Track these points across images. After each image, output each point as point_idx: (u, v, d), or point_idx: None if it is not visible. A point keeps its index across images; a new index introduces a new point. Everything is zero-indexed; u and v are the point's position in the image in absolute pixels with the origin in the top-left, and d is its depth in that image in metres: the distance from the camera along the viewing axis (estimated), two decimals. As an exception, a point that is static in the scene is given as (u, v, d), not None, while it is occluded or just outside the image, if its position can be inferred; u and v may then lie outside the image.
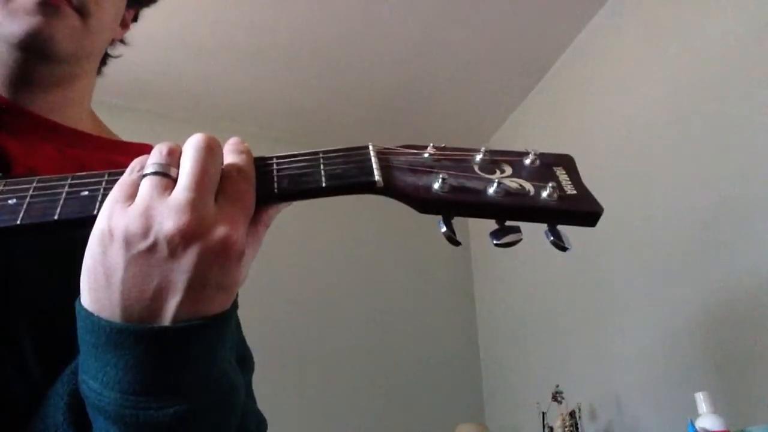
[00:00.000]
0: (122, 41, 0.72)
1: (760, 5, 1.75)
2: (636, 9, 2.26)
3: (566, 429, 2.09)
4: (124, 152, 0.61)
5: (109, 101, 2.46)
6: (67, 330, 0.38)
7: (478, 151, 0.43)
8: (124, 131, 0.69)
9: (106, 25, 0.65)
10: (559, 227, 0.40)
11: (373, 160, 0.42)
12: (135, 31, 0.74)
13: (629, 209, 2.09)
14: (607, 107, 2.34)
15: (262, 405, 0.57)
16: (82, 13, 0.59)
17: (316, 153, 0.43)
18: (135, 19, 0.73)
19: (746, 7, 1.80)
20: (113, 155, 0.60)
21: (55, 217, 0.40)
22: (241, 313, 0.52)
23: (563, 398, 2.13)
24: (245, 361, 0.57)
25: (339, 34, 2.50)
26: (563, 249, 0.40)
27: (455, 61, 2.64)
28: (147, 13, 0.76)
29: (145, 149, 0.41)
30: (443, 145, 0.44)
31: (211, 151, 0.39)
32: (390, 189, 0.41)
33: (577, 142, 2.44)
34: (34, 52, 0.58)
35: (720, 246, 1.76)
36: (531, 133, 2.81)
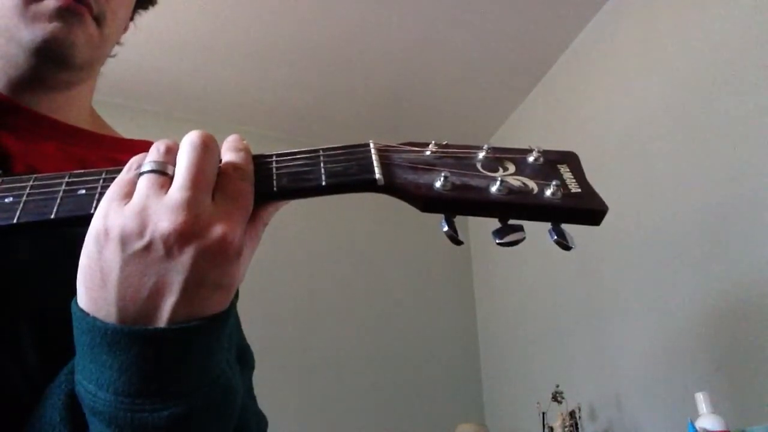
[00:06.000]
0: (118, 42, 0.72)
1: (758, 5, 1.75)
2: (635, 9, 2.26)
3: (566, 429, 2.08)
4: (125, 149, 0.60)
5: (109, 101, 2.46)
6: (68, 328, 0.38)
7: (480, 148, 0.43)
8: (125, 130, 0.69)
9: (119, 31, 0.65)
10: (563, 226, 0.40)
11: (374, 157, 0.41)
12: (136, 31, 0.74)
13: (629, 209, 2.08)
14: (607, 107, 2.34)
15: (262, 405, 0.57)
16: (99, 21, 0.60)
17: (317, 150, 0.42)
18: (131, 18, 0.73)
19: (744, 6, 1.80)
20: (114, 152, 0.60)
21: (52, 216, 0.40)
22: (241, 313, 0.52)
23: (563, 398, 2.13)
24: (245, 360, 0.56)
25: (339, 34, 2.50)
26: (567, 248, 0.39)
27: (455, 61, 2.64)
28: (148, 13, 0.76)
29: (146, 146, 0.40)
30: (445, 142, 0.44)
31: (207, 148, 0.38)
32: (391, 187, 0.40)
33: (576, 142, 2.43)
34: (53, 58, 0.58)
35: (720, 246, 1.76)
36: (530, 133, 2.80)
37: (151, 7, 0.74)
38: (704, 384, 1.66)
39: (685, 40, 2.01)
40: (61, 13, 0.56)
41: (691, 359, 1.81)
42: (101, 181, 0.41)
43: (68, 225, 0.40)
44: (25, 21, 0.56)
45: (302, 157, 0.42)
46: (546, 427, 2.19)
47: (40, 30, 0.56)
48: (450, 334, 2.99)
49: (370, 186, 0.40)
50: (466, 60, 2.63)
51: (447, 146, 0.43)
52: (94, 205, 0.39)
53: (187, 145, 0.38)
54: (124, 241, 0.35)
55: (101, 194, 0.40)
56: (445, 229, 0.39)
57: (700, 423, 1.48)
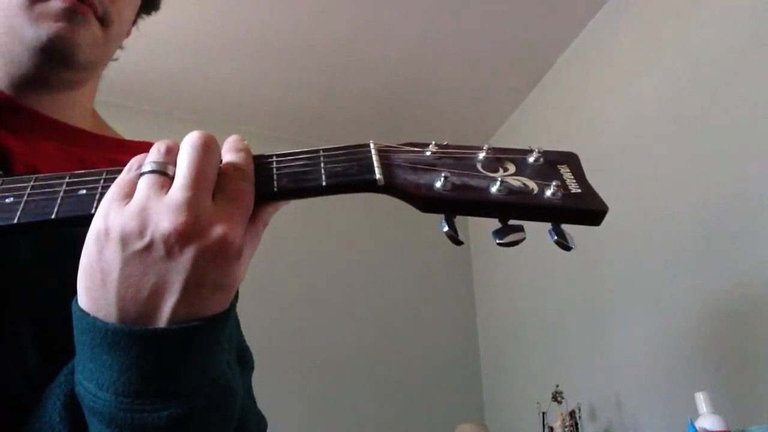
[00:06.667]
0: (120, 46, 0.72)
1: (758, 5, 1.75)
2: (635, 9, 2.26)
3: (566, 429, 2.08)
4: (126, 150, 0.60)
5: (109, 101, 2.46)
6: (68, 328, 0.38)
7: (480, 149, 0.43)
8: (125, 131, 0.69)
9: (122, 34, 0.66)
10: (563, 226, 0.40)
11: (374, 158, 0.41)
12: (136, 32, 0.74)
13: (629, 209, 2.08)
14: (607, 107, 2.34)
15: (262, 405, 0.57)
16: (104, 22, 0.60)
17: (317, 151, 0.42)
18: (134, 23, 0.73)
19: (744, 6, 1.80)
20: (115, 153, 0.60)
21: (52, 216, 0.40)
22: (241, 313, 0.52)
23: (563, 398, 2.13)
24: (245, 361, 0.56)
25: (339, 34, 2.50)
26: (567, 248, 0.39)
27: (455, 61, 2.64)
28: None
29: (147, 147, 0.40)
30: (445, 142, 0.44)
31: (207, 149, 0.38)
32: (391, 187, 0.40)
33: (576, 142, 2.43)
34: (57, 58, 0.58)
35: (720, 246, 1.76)
36: (530, 133, 2.80)
37: (154, 12, 0.74)
38: (704, 384, 1.66)
39: (684, 40, 2.01)
40: (66, 13, 0.56)
41: (691, 359, 1.81)
42: (102, 181, 0.41)
43: (69, 225, 0.40)
44: (29, 20, 0.56)
45: (302, 157, 0.42)
46: (546, 427, 2.19)
47: (45, 29, 0.56)
48: (450, 335, 2.99)
49: (371, 186, 0.40)
50: (466, 60, 2.63)
51: (447, 146, 0.43)
52: (94, 205, 0.39)
53: (188, 146, 0.38)
54: (124, 241, 0.35)
55: (102, 194, 0.40)
56: (445, 229, 0.39)
57: (700, 423, 1.48)
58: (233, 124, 2.88)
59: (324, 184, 0.40)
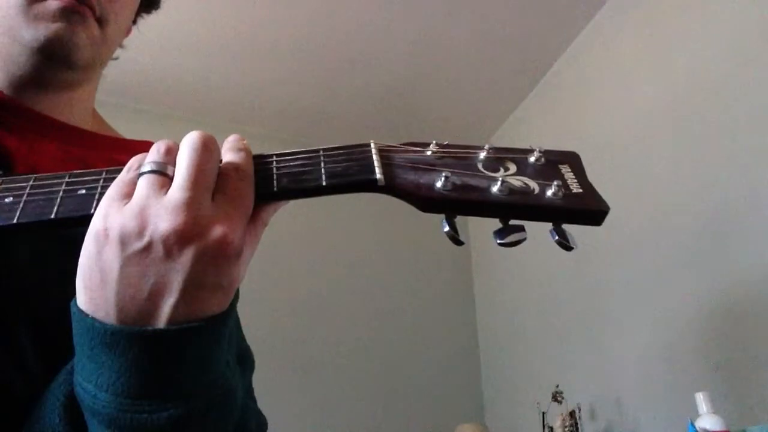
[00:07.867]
0: (120, 45, 0.72)
1: (760, 6, 1.75)
2: (636, 9, 2.26)
3: (566, 429, 2.08)
4: (126, 150, 0.60)
5: (109, 101, 2.46)
6: (67, 328, 0.38)
7: (481, 148, 0.43)
8: (125, 131, 0.69)
9: (121, 34, 0.66)
10: (564, 226, 0.40)
11: (375, 157, 0.41)
12: (137, 31, 0.74)
13: (629, 209, 2.08)
14: (607, 107, 2.34)
15: (262, 405, 0.57)
16: (102, 22, 0.60)
17: (317, 151, 0.42)
18: (134, 22, 0.73)
19: (744, 6, 1.80)
20: (115, 153, 0.60)
21: (52, 216, 0.39)
22: (241, 313, 0.52)
23: (563, 398, 2.13)
24: (245, 361, 0.56)
25: (339, 34, 2.50)
26: (568, 248, 0.39)
27: (455, 61, 2.64)
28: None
29: (146, 147, 0.40)
30: (446, 142, 0.44)
31: (207, 149, 0.38)
32: (391, 187, 0.40)
33: (576, 142, 2.43)
34: (55, 58, 0.58)
35: (720, 246, 1.76)
36: (531, 133, 2.80)
37: (154, 11, 0.74)
38: (704, 384, 1.66)
39: (685, 40, 2.01)
40: (64, 13, 0.56)
41: (691, 359, 1.81)
42: (101, 181, 0.41)
43: (68, 225, 0.40)
44: (27, 20, 0.56)
45: (302, 157, 0.42)
46: (546, 427, 2.19)
47: (43, 29, 0.56)
48: (450, 334, 2.98)
49: (371, 186, 0.40)
50: (467, 60, 2.63)
51: (448, 146, 0.43)
52: (94, 205, 0.39)
53: (187, 146, 0.38)
54: (123, 241, 0.35)
55: (101, 194, 0.40)
56: (446, 229, 0.39)
57: (700, 423, 1.48)
58: (233, 124, 2.88)
59: (324, 184, 0.40)
